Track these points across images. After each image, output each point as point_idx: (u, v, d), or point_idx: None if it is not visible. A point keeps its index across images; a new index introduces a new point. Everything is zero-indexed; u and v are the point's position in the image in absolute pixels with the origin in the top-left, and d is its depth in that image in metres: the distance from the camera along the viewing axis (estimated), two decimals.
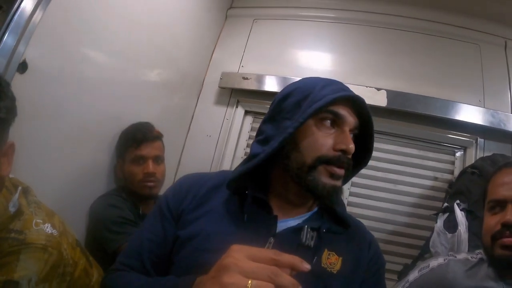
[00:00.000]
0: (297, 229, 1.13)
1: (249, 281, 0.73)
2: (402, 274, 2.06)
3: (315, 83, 1.18)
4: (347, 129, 1.12)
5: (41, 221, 1.18)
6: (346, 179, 1.19)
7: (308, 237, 0.96)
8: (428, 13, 3.03)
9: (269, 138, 1.16)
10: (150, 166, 2.13)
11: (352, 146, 1.10)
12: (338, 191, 1.13)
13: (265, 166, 1.23)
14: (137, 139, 2.12)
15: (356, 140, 1.19)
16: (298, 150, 1.13)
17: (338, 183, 1.12)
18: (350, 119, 1.13)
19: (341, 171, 1.11)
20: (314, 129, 1.12)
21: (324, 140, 1.11)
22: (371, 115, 1.17)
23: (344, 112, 1.12)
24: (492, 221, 1.38)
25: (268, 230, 1.12)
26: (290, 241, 1.08)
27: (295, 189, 1.16)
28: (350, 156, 1.12)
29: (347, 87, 1.19)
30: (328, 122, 1.12)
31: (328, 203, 1.18)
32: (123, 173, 2.16)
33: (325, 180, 1.09)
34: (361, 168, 1.29)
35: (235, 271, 0.76)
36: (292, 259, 0.78)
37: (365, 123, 1.19)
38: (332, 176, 1.10)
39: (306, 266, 0.78)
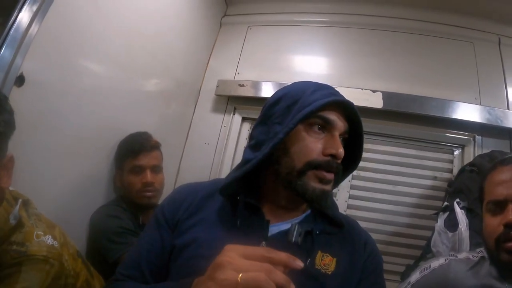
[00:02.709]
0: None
1: (240, 275, 0.76)
2: (404, 275, 2.06)
3: (305, 87, 1.19)
4: (336, 133, 1.13)
5: (42, 233, 1.18)
6: (335, 183, 1.19)
7: (296, 235, 0.97)
8: (421, 13, 3.05)
9: (260, 144, 1.17)
10: (148, 175, 2.14)
11: (341, 151, 1.10)
12: (328, 195, 1.14)
13: (257, 171, 1.23)
14: (135, 149, 2.14)
15: (346, 143, 1.21)
16: (288, 155, 1.14)
17: (328, 187, 1.12)
18: (339, 123, 1.14)
19: (330, 176, 1.12)
20: (304, 134, 1.13)
21: (313, 145, 1.12)
22: (360, 119, 1.18)
23: (333, 117, 1.13)
24: (494, 223, 1.35)
25: (260, 235, 1.12)
26: (282, 244, 1.06)
27: (285, 193, 1.17)
28: (339, 161, 1.13)
29: (337, 91, 1.21)
30: (317, 127, 1.13)
31: (318, 207, 1.18)
32: (122, 183, 2.17)
33: (315, 184, 1.10)
34: (352, 171, 1.29)
35: (229, 268, 0.78)
36: (285, 257, 0.80)
37: (355, 126, 1.20)
38: (322, 180, 1.11)
39: (299, 264, 0.80)
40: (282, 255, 0.80)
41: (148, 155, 2.17)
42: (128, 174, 2.14)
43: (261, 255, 0.80)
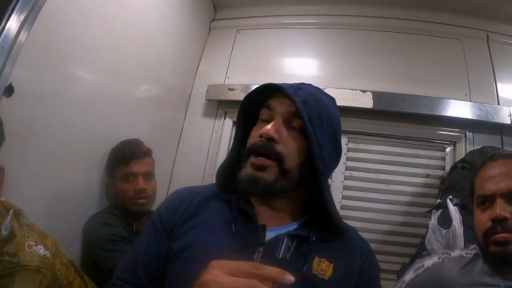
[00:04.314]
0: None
1: None
2: (400, 274, 2.06)
3: None
4: (278, 117, 1.15)
5: (33, 243, 1.18)
6: (284, 170, 1.13)
7: (283, 251, 0.95)
8: (409, 12, 3.07)
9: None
10: (141, 182, 2.14)
11: (265, 129, 1.11)
12: (257, 182, 1.11)
13: None
14: (126, 156, 2.15)
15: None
16: None
17: (259, 174, 1.11)
18: (279, 108, 1.16)
19: (257, 160, 1.11)
20: (255, 126, 1.19)
21: (254, 131, 1.17)
22: (295, 100, 1.11)
23: (274, 103, 1.17)
24: (482, 218, 1.37)
25: (257, 239, 1.12)
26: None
27: None
28: (279, 146, 1.11)
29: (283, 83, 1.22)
30: (264, 116, 1.18)
31: (246, 193, 1.17)
32: (114, 191, 2.17)
33: (248, 170, 1.12)
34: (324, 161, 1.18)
35: (214, 287, 0.77)
36: (273, 272, 0.78)
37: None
38: (253, 166, 1.12)
39: (289, 278, 0.78)
40: (270, 271, 0.79)
41: (139, 162, 2.17)
42: (120, 181, 2.14)
43: (247, 272, 0.78)
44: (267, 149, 1.11)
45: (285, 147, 1.12)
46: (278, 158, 1.11)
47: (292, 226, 1.19)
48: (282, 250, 0.93)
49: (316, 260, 1.13)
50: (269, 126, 1.10)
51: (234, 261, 0.82)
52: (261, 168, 1.11)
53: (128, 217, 2.14)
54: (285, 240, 0.95)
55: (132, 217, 2.16)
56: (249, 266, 0.79)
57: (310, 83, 1.28)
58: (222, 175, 1.23)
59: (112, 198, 2.21)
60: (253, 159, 1.11)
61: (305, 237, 1.14)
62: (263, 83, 1.19)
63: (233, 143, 1.19)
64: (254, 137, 1.15)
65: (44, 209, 1.78)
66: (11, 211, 1.22)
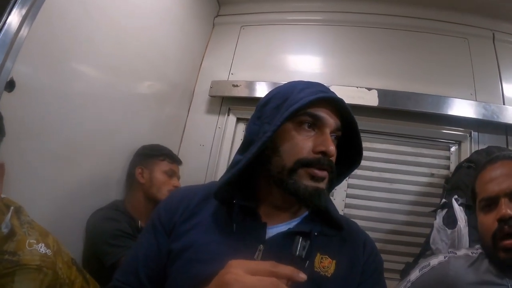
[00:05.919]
0: (287, 234, 1.12)
1: None
2: (404, 273, 2.05)
3: (294, 87, 1.19)
4: (327, 130, 1.12)
5: (34, 241, 1.17)
6: (332, 183, 1.18)
7: (300, 248, 0.96)
8: (414, 10, 3.05)
9: (250, 144, 1.16)
10: (178, 182, 2.43)
11: (332, 148, 1.09)
12: (321, 193, 1.11)
13: (251, 174, 1.23)
14: (174, 157, 2.49)
15: (344, 141, 1.20)
16: (278, 154, 1.13)
17: (321, 185, 1.11)
18: (330, 120, 1.13)
19: (322, 173, 1.10)
20: (294, 133, 1.13)
21: (303, 143, 1.11)
22: (353, 115, 1.17)
23: (323, 114, 1.12)
24: (488, 220, 1.37)
25: (257, 238, 1.11)
26: (280, 247, 1.08)
27: (279, 193, 1.15)
28: (332, 159, 1.12)
29: (327, 88, 1.20)
30: (307, 125, 1.12)
31: (311, 206, 1.15)
32: (149, 179, 2.33)
33: (306, 182, 1.09)
34: (354, 169, 1.29)
35: (237, 286, 0.80)
36: (290, 271, 0.83)
37: (349, 123, 1.18)
38: (313, 178, 1.09)
39: (302, 276, 0.83)
40: (287, 269, 0.83)
41: (178, 167, 2.51)
42: (161, 173, 2.36)
43: (267, 270, 0.82)
44: (330, 166, 1.12)
45: (333, 158, 1.14)
46: (331, 170, 1.13)
47: (293, 223, 1.19)
48: (298, 248, 0.96)
49: (318, 257, 1.12)
50: (332, 147, 1.09)
51: (252, 260, 0.87)
52: (321, 180, 1.11)
53: (134, 213, 2.21)
54: (300, 239, 0.96)
55: (154, 203, 2.19)
56: (268, 265, 0.84)
57: (315, 79, 1.26)
58: (229, 183, 1.18)
59: (139, 185, 2.32)
60: (317, 171, 1.09)
61: (307, 232, 1.12)
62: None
63: (259, 146, 1.11)
64: (306, 150, 1.11)
65: (45, 206, 1.77)
66: (12, 208, 1.20)
